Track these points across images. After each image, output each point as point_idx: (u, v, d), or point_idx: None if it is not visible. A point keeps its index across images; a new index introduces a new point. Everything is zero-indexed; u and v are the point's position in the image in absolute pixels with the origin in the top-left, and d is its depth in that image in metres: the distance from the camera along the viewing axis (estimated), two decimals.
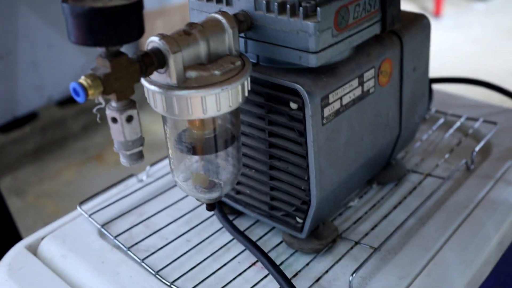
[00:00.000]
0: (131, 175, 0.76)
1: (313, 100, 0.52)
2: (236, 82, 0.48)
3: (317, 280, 0.58)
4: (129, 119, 0.45)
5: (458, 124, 0.83)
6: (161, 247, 0.64)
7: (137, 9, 0.41)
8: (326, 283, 0.58)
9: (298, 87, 0.52)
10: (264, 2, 0.52)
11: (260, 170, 0.61)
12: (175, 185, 0.75)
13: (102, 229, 0.66)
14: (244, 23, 0.53)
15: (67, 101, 2.16)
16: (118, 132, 0.45)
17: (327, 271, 0.59)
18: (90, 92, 0.41)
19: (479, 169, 0.74)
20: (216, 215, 0.67)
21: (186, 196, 0.72)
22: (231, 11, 0.54)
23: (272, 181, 0.61)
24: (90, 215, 0.68)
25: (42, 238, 0.67)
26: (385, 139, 0.67)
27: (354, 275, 0.56)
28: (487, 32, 2.99)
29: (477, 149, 0.75)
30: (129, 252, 0.63)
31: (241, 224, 0.67)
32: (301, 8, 0.50)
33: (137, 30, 0.41)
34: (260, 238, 0.65)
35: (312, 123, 0.53)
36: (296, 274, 0.59)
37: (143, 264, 0.61)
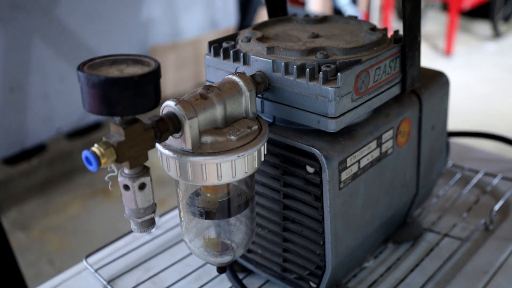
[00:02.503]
0: None
1: (330, 165, 0.51)
2: (253, 148, 0.46)
3: None
4: (142, 186, 0.43)
5: (475, 180, 0.81)
6: None
7: (154, 79, 0.40)
8: None
9: (316, 152, 0.51)
10: (282, 64, 0.51)
11: (273, 230, 0.59)
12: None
13: (108, 286, 0.64)
14: (262, 85, 0.52)
15: (76, 133, 2.16)
16: (130, 200, 0.44)
17: None
18: (103, 160, 0.40)
19: (498, 230, 0.72)
20: (226, 274, 0.65)
21: None
22: (248, 70, 0.53)
23: (285, 242, 0.59)
24: (96, 270, 0.66)
25: None
26: (402, 199, 0.65)
27: None
28: (499, 73, 2.98)
29: (496, 208, 0.73)
30: None
31: (252, 283, 0.65)
32: (321, 73, 0.49)
33: (154, 100, 0.40)
34: None
35: (329, 188, 0.51)
36: None
37: None
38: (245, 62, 0.54)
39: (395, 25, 3.61)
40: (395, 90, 0.57)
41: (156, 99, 0.41)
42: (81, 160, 2.01)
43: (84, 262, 0.68)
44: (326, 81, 0.49)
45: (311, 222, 0.55)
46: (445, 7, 3.45)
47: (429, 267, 0.66)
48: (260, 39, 0.56)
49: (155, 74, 0.40)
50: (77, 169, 2.08)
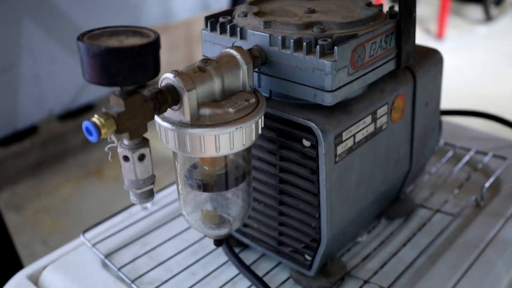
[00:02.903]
0: (134, 204, 0.74)
1: (327, 139, 0.52)
2: (251, 120, 0.47)
3: None
4: (141, 157, 0.44)
5: (467, 158, 0.82)
6: (166, 280, 0.63)
7: (154, 49, 0.40)
8: None
9: (312, 125, 0.51)
10: (279, 38, 0.51)
11: (269, 204, 0.60)
12: (179, 215, 0.73)
13: (106, 260, 0.65)
14: (259, 59, 0.52)
15: (68, 115, 2.15)
16: (130, 171, 0.44)
17: None
18: (103, 131, 0.40)
19: (489, 206, 0.73)
20: (222, 248, 0.66)
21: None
22: (245, 45, 0.54)
23: (281, 216, 0.60)
24: (93, 245, 0.67)
25: (44, 268, 0.66)
26: (395, 174, 0.66)
27: None
28: (490, 56, 3.00)
29: (487, 185, 0.75)
30: (133, 285, 0.62)
31: (247, 257, 0.66)
32: (317, 47, 0.49)
33: (153, 70, 0.40)
34: (267, 273, 0.64)
35: (325, 161, 0.52)
36: None
37: None
38: (242, 37, 0.54)
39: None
40: (390, 66, 0.58)
41: (156, 70, 0.41)
42: (74, 142, 2.01)
43: (81, 237, 0.68)
44: (323, 54, 0.49)
45: (307, 195, 0.56)
46: None
47: (421, 241, 0.67)
48: (257, 14, 0.56)
49: (155, 45, 0.40)
50: (70, 150, 2.07)
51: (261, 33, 0.52)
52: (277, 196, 0.59)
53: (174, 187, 0.79)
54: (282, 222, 0.60)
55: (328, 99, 0.50)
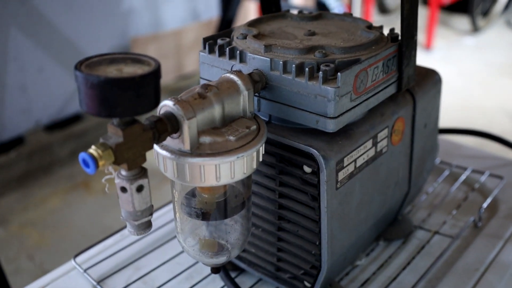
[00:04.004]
0: None
1: (328, 165, 0.50)
2: (252, 148, 0.46)
3: None
4: (140, 188, 0.42)
5: (463, 177, 0.82)
6: None
7: (155, 78, 0.38)
8: None
9: (314, 152, 0.50)
10: (281, 62, 0.50)
11: (267, 230, 0.59)
12: (174, 237, 0.72)
13: (98, 286, 0.63)
14: (259, 83, 0.51)
15: (55, 125, 2.12)
16: (127, 202, 0.42)
17: None
18: (101, 163, 0.39)
19: (487, 227, 0.73)
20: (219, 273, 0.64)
21: None
22: (244, 69, 0.53)
23: (279, 242, 0.59)
24: (85, 270, 0.65)
25: None
26: (394, 197, 0.65)
27: None
28: (477, 67, 3.02)
29: (484, 206, 0.74)
30: None
31: (244, 282, 0.65)
32: (320, 73, 0.48)
33: (154, 100, 0.39)
34: None
35: (326, 188, 0.51)
36: None
37: None
38: (242, 60, 0.53)
39: (376, 19, 3.62)
40: (391, 89, 0.57)
41: (156, 100, 0.39)
42: (61, 153, 1.97)
43: (72, 261, 0.66)
44: (325, 80, 0.48)
45: (307, 222, 0.55)
46: (425, 1, 3.48)
47: (421, 264, 0.66)
48: (256, 36, 0.55)
49: (156, 74, 0.38)
50: (57, 162, 2.04)
51: (261, 57, 0.51)
52: (276, 221, 0.57)
53: (167, 207, 0.77)
54: (281, 248, 0.59)
55: (331, 126, 0.49)
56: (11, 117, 2.00)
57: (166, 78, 2.28)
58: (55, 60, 2.07)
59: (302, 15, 0.62)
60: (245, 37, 0.55)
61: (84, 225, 1.71)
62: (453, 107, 2.44)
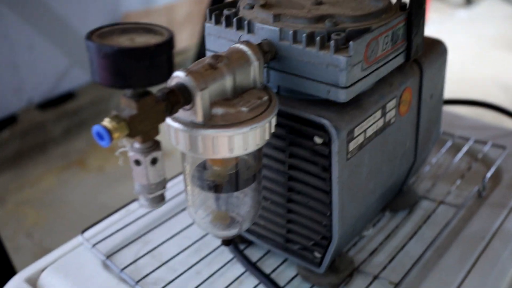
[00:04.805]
0: (133, 200, 0.72)
1: (340, 136, 0.50)
2: (264, 120, 0.45)
3: None
4: (154, 161, 0.42)
5: (466, 147, 0.82)
6: (171, 281, 0.61)
7: (169, 48, 0.38)
8: None
9: (326, 122, 0.50)
10: (290, 32, 0.49)
11: (277, 202, 0.59)
12: (181, 211, 0.71)
13: (107, 261, 0.63)
14: (269, 54, 0.50)
15: (48, 103, 2.09)
16: (141, 175, 0.42)
17: None
18: (115, 135, 0.38)
19: (491, 196, 0.73)
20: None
21: (193, 222, 0.69)
22: (252, 39, 0.52)
23: (289, 214, 0.59)
24: (94, 245, 0.65)
25: (42, 270, 0.63)
26: (401, 168, 0.65)
27: None
28: (470, 39, 3.02)
29: (488, 175, 0.74)
30: (137, 286, 0.60)
31: (253, 254, 0.65)
32: (332, 42, 0.47)
33: (168, 71, 0.38)
34: (274, 270, 0.63)
35: (338, 159, 0.51)
36: None
37: None
38: (250, 30, 0.52)
39: None
40: (400, 59, 0.56)
41: (170, 71, 0.39)
42: (54, 131, 1.96)
43: (80, 237, 0.66)
44: (337, 49, 0.48)
45: (318, 193, 0.55)
46: None
47: (427, 234, 0.67)
48: (263, 6, 0.54)
49: (169, 44, 0.38)
50: (51, 140, 2.02)
51: (270, 27, 0.50)
52: (286, 193, 0.57)
53: (172, 181, 0.77)
54: (291, 220, 0.59)
55: (343, 96, 0.49)
56: (3, 96, 1.97)
57: None
58: (45, 37, 2.03)
59: None
60: (252, 7, 0.54)
61: (80, 203, 1.71)
62: (447, 80, 2.43)
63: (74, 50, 2.07)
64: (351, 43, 0.47)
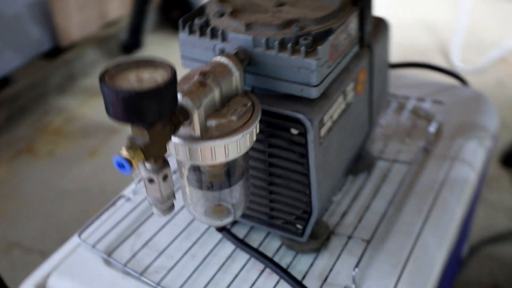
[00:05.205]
0: (120, 197, 0.77)
1: (314, 126, 0.57)
2: (253, 125, 0.51)
3: (325, 279, 0.65)
4: (165, 177, 0.47)
5: (409, 106, 0.91)
6: (171, 268, 0.67)
7: (175, 83, 0.42)
8: (331, 279, 0.65)
9: (301, 117, 0.56)
10: (263, 40, 0.55)
11: (259, 186, 0.66)
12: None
13: (110, 259, 0.68)
14: (245, 61, 0.55)
15: None
16: (155, 190, 0.47)
17: (331, 269, 0.66)
18: (134, 162, 0.43)
19: (435, 150, 0.84)
20: (216, 228, 0.71)
21: (180, 210, 0.75)
22: (227, 47, 0.57)
23: (271, 195, 0.66)
24: (93, 245, 0.69)
25: (48, 275, 0.68)
26: (360, 137, 0.74)
27: (356, 269, 0.64)
28: None
29: (431, 130, 0.84)
30: (142, 277, 0.66)
31: (238, 231, 0.72)
32: (303, 47, 0.53)
33: (175, 102, 0.43)
34: (260, 244, 0.70)
35: (314, 146, 0.58)
36: (304, 276, 0.66)
37: (159, 287, 0.65)
38: (224, 39, 0.57)
39: None
40: (356, 48, 0.63)
41: (175, 101, 0.44)
42: None
43: (78, 239, 0.70)
44: (307, 53, 0.54)
45: (297, 176, 0.62)
46: None
47: (386, 192, 0.76)
48: (232, 14, 0.59)
49: (175, 79, 0.42)
50: None
51: (244, 36, 0.55)
52: (267, 178, 0.64)
53: None
54: (273, 200, 0.66)
55: (315, 93, 0.56)
56: None
57: (91, 28, 2.20)
58: None
59: None
60: (221, 15, 0.59)
61: (38, 191, 1.71)
62: None
63: (2, 33, 1.99)
64: (319, 48, 0.53)
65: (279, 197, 0.65)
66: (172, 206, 0.50)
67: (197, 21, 0.59)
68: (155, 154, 0.45)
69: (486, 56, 2.21)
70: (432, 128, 0.85)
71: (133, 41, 2.33)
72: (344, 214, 0.74)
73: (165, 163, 0.47)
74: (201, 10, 0.61)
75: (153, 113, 0.41)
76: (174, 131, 0.47)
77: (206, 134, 0.50)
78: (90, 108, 2.06)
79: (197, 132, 0.49)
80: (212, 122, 0.50)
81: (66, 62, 2.15)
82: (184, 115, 0.48)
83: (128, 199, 0.78)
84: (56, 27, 2.05)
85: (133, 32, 2.31)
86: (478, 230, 1.41)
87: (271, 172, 0.64)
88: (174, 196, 0.50)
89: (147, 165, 0.46)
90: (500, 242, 1.40)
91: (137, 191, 0.79)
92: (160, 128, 0.44)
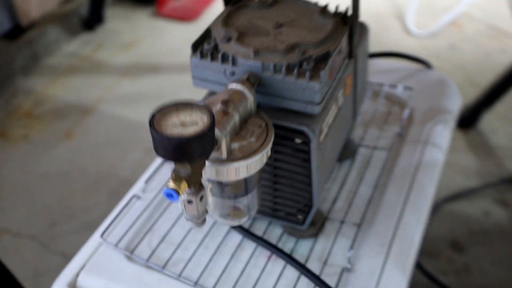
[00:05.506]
0: (133, 197, 0.84)
1: (315, 135, 0.66)
2: (269, 144, 0.59)
3: (325, 262, 0.75)
4: (202, 198, 0.55)
5: (383, 93, 1.01)
6: (189, 259, 0.76)
7: (214, 126, 0.50)
8: (330, 261, 0.76)
9: (305, 129, 0.65)
10: (271, 66, 0.62)
11: (265, 185, 0.74)
12: None
13: (133, 256, 0.76)
14: (255, 84, 0.63)
15: None
16: (193, 209, 0.55)
17: (329, 252, 0.76)
18: (181, 191, 0.51)
19: (408, 135, 0.94)
20: None
21: None
22: (237, 70, 0.64)
23: (276, 191, 0.75)
24: (116, 244, 0.77)
25: (77, 274, 0.75)
26: (346, 132, 0.83)
27: (351, 251, 0.74)
28: None
29: (404, 117, 0.95)
30: (164, 270, 0.74)
31: (243, 223, 0.81)
32: (307, 72, 0.61)
33: (214, 141, 0.51)
34: (264, 232, 0.80)
35: (316, 152, 0.67)
36: (307, 260, 0.76)
37: (181, 279, 0.73)
38: (234, 64, 0.64)
39: None
40: (346, 60, 0.71)
41: (214, 140, 0.51)
42: None
43: (101, 239, 0.78)
44: (310, 77, 0.62)
45: (300, 177, 0.71)
46: None
47: (369, 177, 0.87)
48: (239, 39, 0.65)
49: (214, 122, 0.50)
50: None
51: (253, 62, 0.62)
52: (272, 178, 0.73)
53: (157, 172, 0.89)
54: (277, 196, 0.75)
55: (317, 110, 0.64)
56: None
57: (50, 5, 2.16)
58: None
59: (260, 3, 0.72)
60: (228, 40, 0.65)
61: (18, 176, 1.73)
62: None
63: None
64: (321, 73, 0.61)
65: (283, 193, 0.74)
66: (205, 219, 0.58)
67: (207, 46, 0.65)
68: (195, 182, 0.52)
69: (439, 20, 2.32)
70: (405, 115, 0.95)
71: (94, 16, 2.31)
72: (334, 200, 0.84)
73: (201, 187, 0.55)
74: (208, 33, 0.67)
75: (198, 153, 0.49)
76: (207, 158, 0.54)
77: (231, 156, 0.57)
78: (59, 88, 2.06)
79: (224, 155, 0.56)
80: (235, 145, 0.58)
81: (29, 42, 2.12)
82: (214, 143, 0.55)
83: (139, 198, 0.85)
84: (15, 6, 2.01)
85: (93, 7, 2.29)
86: (438, 189, 1.56)
87: (276, 174, 0.72)
88: (207, 211, 0.58)
89: (187, 190, 0.54)
90: (458, 200, 1.56)
91: (146, 190, 0.86)
92: (200, 161, 0.52)
